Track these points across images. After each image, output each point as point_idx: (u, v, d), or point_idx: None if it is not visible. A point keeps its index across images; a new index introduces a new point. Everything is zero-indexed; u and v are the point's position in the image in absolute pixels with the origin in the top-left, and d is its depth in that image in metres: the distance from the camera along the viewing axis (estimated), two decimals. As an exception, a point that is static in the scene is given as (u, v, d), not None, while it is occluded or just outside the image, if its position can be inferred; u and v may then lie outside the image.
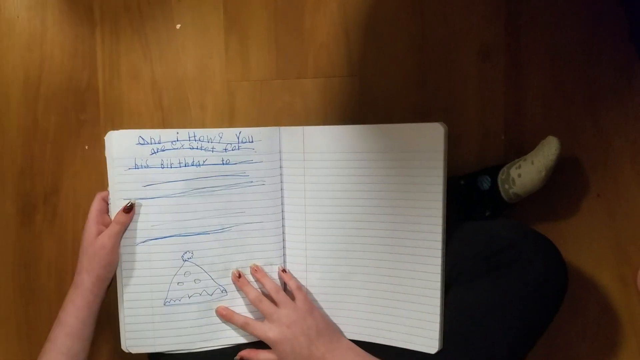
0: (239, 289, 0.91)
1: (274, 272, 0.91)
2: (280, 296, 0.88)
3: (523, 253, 0.81)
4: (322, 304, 0.92)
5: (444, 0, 1.00)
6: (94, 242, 0.85)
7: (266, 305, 0.88)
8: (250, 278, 0.91)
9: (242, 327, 0.89)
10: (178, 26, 1.03)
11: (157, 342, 0.89)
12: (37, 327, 1.09)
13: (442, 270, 0.85)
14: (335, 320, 0.91)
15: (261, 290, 0.90)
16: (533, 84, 0.99)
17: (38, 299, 1.09)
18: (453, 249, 0.86)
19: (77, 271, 0.86)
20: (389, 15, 1.00)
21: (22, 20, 1.05)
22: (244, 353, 0.89)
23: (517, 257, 0.81)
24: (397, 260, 0.87)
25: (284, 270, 0.91)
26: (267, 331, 0.86)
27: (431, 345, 0.85)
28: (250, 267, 0.91)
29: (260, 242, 0.91)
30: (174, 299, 0.89)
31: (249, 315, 0.91)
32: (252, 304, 0.89)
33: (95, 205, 0.88)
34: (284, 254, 0.93)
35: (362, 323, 0.90)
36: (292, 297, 0.89)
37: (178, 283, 0.89)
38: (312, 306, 0.89)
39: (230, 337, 0.91)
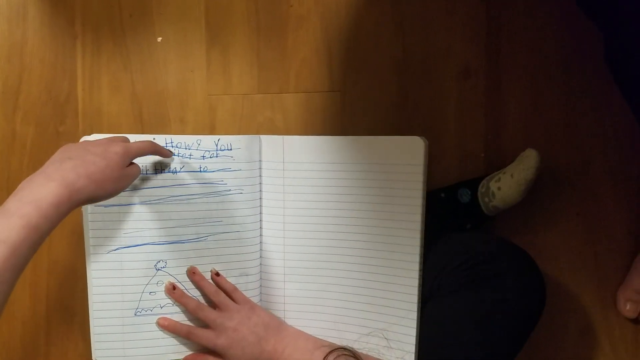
0: (176, 302, 0.87)
1: (249, 283, 0.89)
2: (221, 298, 0.86)
3: (501, 266, 0.81)
4: (299, 314, 0.90)
5: (425, 20, 1.01)
6: (120, 160, 0.73)
7: (207, 312, 0.86)
8: (191, 285, 0.88)
9: (186, 336, 0.86)
10: (159, 39, 1.03)
11: (127, 353, 0.86)
12: (10, 345, 1.05)
13: (420, 283, 0.84)
14: (311, 330, 0.89)
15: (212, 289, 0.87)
16: (513, 104, 1.00)
17: (11, 316, 1.05)
18: (433, 263, 0.85)
19: (58, 169, 0.67)
20: (371, 33, 1.01)
21: (2, 32, 1.05)
22: (189, 358, 0.87)
23: (495, 270, 0.80)
24: (374, 272, 0.86)
25: (217, 274, 0.88)
26: (214, 338, 0.84)
27: (407, 358, 0.84)
28: (187, 270, 0.88)
29: (236, 251, 0.89)
30: (146, 309, 0.86)
31: None
32: (192, 314, 0.87)
33: (146, 147, 0.80)
34: (261, 264, 0.91)
35: (338, 334, 0.88)
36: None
37: (150, 293, 0.86)
38: (253, 304, 0.88)
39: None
